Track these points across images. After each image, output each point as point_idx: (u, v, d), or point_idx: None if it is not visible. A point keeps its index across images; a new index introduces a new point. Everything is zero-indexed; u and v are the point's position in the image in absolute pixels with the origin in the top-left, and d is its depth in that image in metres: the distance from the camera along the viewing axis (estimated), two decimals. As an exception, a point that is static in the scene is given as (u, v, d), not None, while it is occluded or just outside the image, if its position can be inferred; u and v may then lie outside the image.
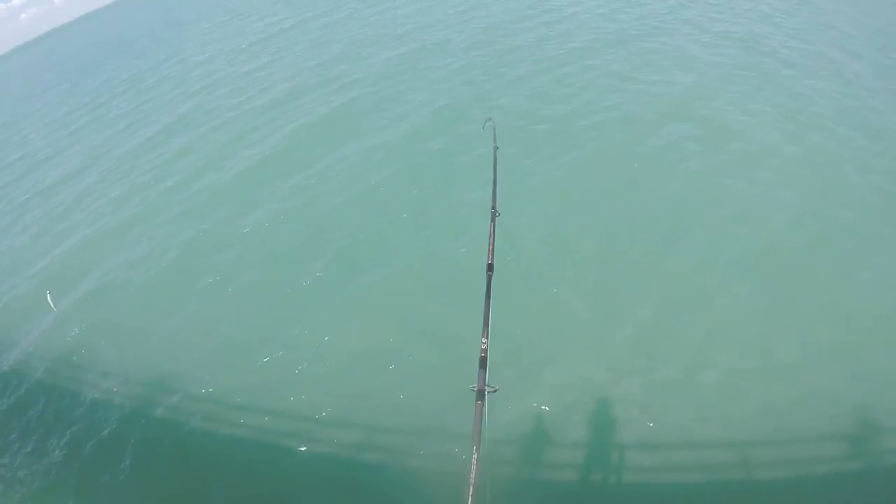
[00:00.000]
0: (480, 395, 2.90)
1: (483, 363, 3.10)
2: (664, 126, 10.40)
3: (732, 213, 8.07)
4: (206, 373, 7.48)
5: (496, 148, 5.58)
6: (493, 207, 4.41)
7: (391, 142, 12.17)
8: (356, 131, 13.13)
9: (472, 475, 2.47)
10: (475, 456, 2.54)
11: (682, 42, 13.98)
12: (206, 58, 27.79)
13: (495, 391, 2.93)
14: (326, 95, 15.86)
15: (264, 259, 9.56)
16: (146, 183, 13.70)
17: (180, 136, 16.34)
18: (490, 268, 3.85)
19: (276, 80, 19.11)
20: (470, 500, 2.42)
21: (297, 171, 11.86)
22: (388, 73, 16.38)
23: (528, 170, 9.89)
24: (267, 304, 8.54)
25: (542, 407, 6.09)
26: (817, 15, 14.83)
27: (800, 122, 9.90)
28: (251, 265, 9.43)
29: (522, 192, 9.27)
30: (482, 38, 17.25)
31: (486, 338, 3.23)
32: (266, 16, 35.23)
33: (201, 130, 16.22)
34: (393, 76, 16.01)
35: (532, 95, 12.67)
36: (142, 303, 9.37)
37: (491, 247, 4.00)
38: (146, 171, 14.47)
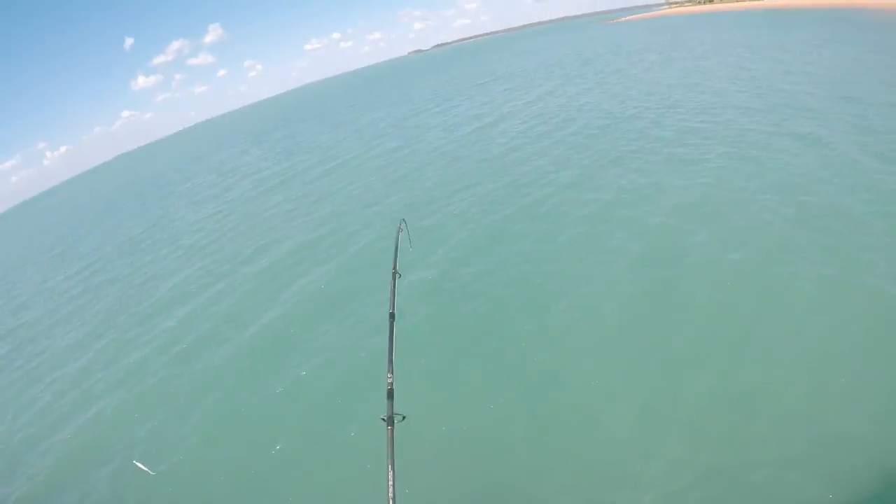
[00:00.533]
0: (389, 420, 3.36)
1: (390, 394, 3.61)
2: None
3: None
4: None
5: (400, 223, 6.51)
6: (394, 268, 5.17)
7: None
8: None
9: (390, 491, 2.89)
10: (390, 473, 2.98)
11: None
12: (198, 218, 28.99)
13: (403, 419, 3.38)
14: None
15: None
16: (154, 350, 13.99)
17: (180, 304, 16.85)
18: (392, 316, 4.40)
19: (267, 239, 20.20)
20: None
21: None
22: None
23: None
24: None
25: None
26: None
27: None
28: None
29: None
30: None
31: (391, 373, 3.77)
32: (252, 172, 37.43)
33: (202, 295, 16.84)
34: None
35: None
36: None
37: (392, 298, 4.62)
38: (151, 338, 14.78)
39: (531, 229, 14.19)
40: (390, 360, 3.89)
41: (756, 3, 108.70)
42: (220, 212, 28.11)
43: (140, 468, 9.20)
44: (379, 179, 24.11)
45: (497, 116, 31.53)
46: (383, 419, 3.42)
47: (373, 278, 14.01)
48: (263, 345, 12.40)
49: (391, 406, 3.50)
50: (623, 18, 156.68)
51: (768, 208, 11.93)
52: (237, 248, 19.97)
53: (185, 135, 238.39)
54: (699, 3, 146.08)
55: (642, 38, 67.61)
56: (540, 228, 14.12)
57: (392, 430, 3.29)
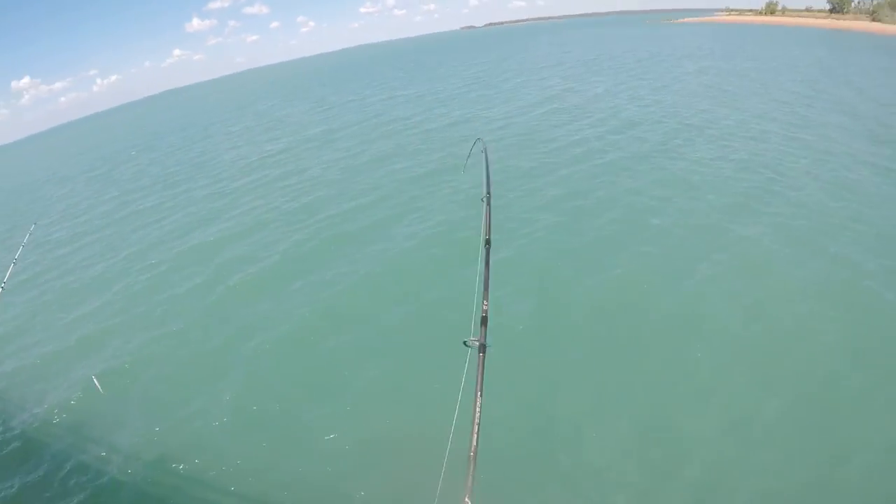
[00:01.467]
0: (482, 348, 3.30)
1: (484, 321, 3.54)
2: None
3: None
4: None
5: (483, 144, 6.51)
6: (487, 193, 5.01)
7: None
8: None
9: (476, 416, 2.89)
10: (478, 400, 2.98)
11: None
12: (236, 156, 29.55)
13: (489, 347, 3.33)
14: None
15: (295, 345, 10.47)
16: (169, 279, 14.58)
17: (206, 230, 17.60)
18: (487, 242, 4.28)
19: (305, 186, 20.64)
20: (475, 437, 2.82)
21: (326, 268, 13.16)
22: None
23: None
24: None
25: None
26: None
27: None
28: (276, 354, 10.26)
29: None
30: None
31: (487, 300, 3.69)
32: (295, 127, 37.67)
33: (229, 227, 17.45)
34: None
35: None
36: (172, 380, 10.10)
37: (487, 225, 4.47)
38: (170, 265, 15.42)
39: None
40: (486, 287, 3.81)
41: (814, 20, 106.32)
42: (277, 153, 28.40)
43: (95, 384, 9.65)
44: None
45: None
46: (467, 344, 3.39)
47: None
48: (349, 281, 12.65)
49: (484, 333, 3.45)
50: (682, 20, 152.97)
51: None
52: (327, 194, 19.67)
53: (231, 80, 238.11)
54: (758, 13, 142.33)
55: (717, 46, 65.34)
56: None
57: (483, 357, 3.25)
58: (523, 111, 28.50)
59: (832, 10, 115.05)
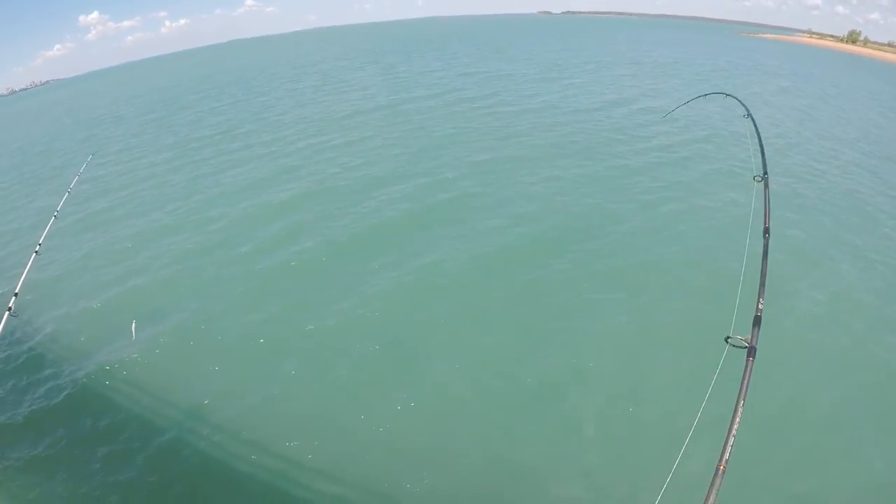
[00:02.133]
0: (752, 351, 2.96)
1: (757, 321, 3.18)
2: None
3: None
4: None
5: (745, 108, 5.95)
6: (765, 173, 4.48)
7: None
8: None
9: (735, 425, 2.58)
10: (739, 409, 2.64)
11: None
12: (300, 117, 28.81)
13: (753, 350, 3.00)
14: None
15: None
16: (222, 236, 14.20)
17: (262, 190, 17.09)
18: (766, 231, 3.94)
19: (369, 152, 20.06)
20: (728, 449, 2.47)
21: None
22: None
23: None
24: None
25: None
26: None
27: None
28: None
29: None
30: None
31: (763, 298, 3.36)
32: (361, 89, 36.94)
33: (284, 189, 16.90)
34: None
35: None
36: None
37: (766, 210, 4.09)
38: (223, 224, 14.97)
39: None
40: (762, 283, 3.50)
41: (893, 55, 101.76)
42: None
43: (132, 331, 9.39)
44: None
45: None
46: (730, 341, 3.07)
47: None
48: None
49: (756, 334, 3.09)
50: (762, 35, 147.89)
51: None
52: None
53: (300, 36, 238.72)
54: (840, 39, 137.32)
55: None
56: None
57: (752, 361, 2.92)
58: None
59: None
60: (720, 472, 2.38)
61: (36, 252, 6.56)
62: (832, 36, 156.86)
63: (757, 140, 5.03)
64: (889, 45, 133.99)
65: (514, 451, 7.21)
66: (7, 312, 5.39)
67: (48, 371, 9.30)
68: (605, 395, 8.00)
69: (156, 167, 21.84)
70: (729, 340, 3.05)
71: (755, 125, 5.35)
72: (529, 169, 17.09)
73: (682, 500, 2.87)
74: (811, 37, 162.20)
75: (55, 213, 7.82)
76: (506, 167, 17.37)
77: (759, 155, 4.74)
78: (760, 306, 3.26)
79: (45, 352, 9.90)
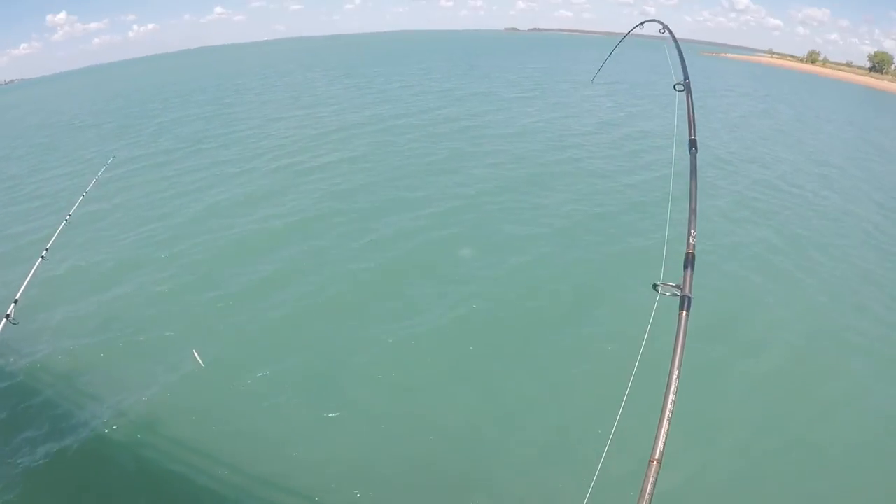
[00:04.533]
0: (684, 302, 2.32)
1: (689, 261, 2.46)
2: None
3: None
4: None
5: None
6: (686, 78, 3.73)
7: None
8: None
9: (670, 400, 2.07)
10: (674, 377, 2.11)
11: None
12: (267, 133, 28.67)
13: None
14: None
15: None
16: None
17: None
18: (692, 144, 3.28)
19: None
20: (661, 440, 2.00)
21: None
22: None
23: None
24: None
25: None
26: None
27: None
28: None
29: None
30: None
31: (694, 230, 2.61)
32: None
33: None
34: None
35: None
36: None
37: (690, 119, 3.47)
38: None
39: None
40: (692, 212, 2.70)
41: (853, 76, 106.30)
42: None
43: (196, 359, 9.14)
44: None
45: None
46: (657, 288, 2.47)
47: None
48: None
49: (689, 279, 2.41)
50: (724, 55, 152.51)
51: None
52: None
53: (267, 46, 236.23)
54: (800, 60, 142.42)
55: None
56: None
57: (686, 316, 2.28)
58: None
59: (872, 69, 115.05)
60: (652, 463, 1.98)
61: (42, 258, 6.35)
62: (792, 56, 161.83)
63: (677, 52, 4.36)
64: (847, 64, 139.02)
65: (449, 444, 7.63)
66: (5, 319, 5.17)
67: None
68: (532, 374, 8.53)
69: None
70: (657, 288, 2.46)
71: (674, 38, 4.86)
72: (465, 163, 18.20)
73: (616, 486, 2.70)
74: (772, 56, 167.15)
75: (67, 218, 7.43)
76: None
77: (680, 63, 4.06)
78: (692, 241, 2.55)
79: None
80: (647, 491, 1.91)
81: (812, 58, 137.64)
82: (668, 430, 2.01)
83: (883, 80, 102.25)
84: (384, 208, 15.36)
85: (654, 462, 1.96)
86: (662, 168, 13.22)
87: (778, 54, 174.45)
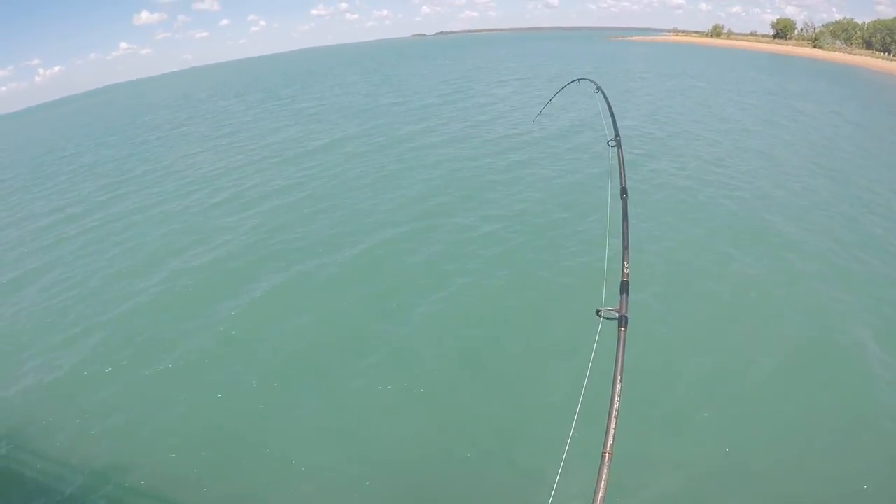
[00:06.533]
0: (623, 321, 2.72)
1: (625, 288, 2.95)
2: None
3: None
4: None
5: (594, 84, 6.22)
6: (617, 135, 4.34)
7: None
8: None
9: (616, 402, 2.41)
10: (617, 386, 2.46)
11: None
12: (187, 165, 27.84)
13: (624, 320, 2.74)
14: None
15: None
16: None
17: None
18: (623, 192, 3.76)
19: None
20: (612, 433, 2.33)
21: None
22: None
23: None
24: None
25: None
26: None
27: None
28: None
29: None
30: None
31: (627, 262, 3.12)
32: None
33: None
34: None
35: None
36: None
37: (621, 172, 3.94)
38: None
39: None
40: (625, 247, 3.28)
41: (759, 44, 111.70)
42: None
43: None
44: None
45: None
46: (600, 314, 2.86)
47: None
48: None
49: (625, 302, 2.86)
50: (630, 38, 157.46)
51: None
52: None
53: (178, 76, 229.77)
54: (705, 35, 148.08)
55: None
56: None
57: (624, 332, 2.68)
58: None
59: (776, 36, 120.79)
60: (605, 457, 2.28)
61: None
62: (697, 32, 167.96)
63: (609, 111, 5.16)
64: (752, 34, 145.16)
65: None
66: None
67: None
68: (489, 390, 8.57)
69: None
70: (600, 313, 2.86)
71: (606, 98, 5.57)
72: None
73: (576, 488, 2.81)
74: (677, 35, 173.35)
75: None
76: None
77: (612, 123, 4.77)
78: (626, 271, 3.10)
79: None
80: (603, 478, 2.21)
81: (716, 31, 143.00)
82: (615, 425, 2.34)
83: (787, 45, 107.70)
84: (310, 248, 15.05)
85: (607, 454, 2.27)
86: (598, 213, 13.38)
87: (683, 32, 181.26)
